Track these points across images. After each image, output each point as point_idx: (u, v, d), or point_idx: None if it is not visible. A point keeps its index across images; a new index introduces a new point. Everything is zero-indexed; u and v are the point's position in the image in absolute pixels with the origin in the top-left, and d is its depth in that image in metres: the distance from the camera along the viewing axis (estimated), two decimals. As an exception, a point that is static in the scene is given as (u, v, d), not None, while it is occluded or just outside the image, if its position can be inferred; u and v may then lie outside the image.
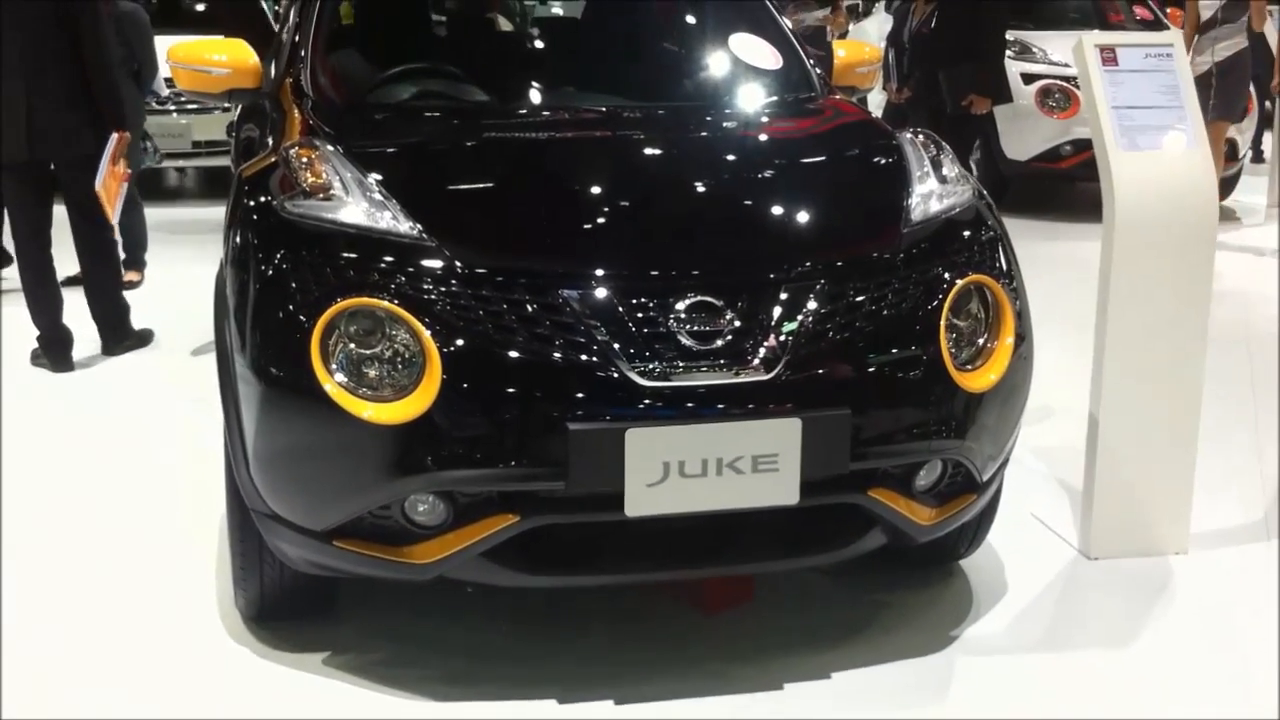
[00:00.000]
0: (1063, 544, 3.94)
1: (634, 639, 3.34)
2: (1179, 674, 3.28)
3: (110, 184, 5.49)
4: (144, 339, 5.85)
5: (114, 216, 5.67)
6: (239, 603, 3.34)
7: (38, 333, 5.62)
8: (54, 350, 5.57)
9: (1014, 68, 9.16)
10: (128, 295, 6.23)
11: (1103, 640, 3.42)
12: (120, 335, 5.80)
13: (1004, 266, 3.29)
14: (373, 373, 2.84)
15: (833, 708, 3.06)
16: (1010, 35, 9.29)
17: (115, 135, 5.44)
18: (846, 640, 3.35)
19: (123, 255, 6.67)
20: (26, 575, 3.68)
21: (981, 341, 3.18)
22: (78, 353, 5.69)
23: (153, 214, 7.63)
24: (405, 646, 3.29)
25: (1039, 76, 9.22)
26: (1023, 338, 3.24)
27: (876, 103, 10.17)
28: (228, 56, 3.95)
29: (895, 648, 3.32)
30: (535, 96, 4.02)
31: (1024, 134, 9.19)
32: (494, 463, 2.78)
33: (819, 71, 4.22)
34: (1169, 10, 9.42)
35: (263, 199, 3.11)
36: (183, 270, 7.10)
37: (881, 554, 3.27)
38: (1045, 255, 7.51)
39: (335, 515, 2.89)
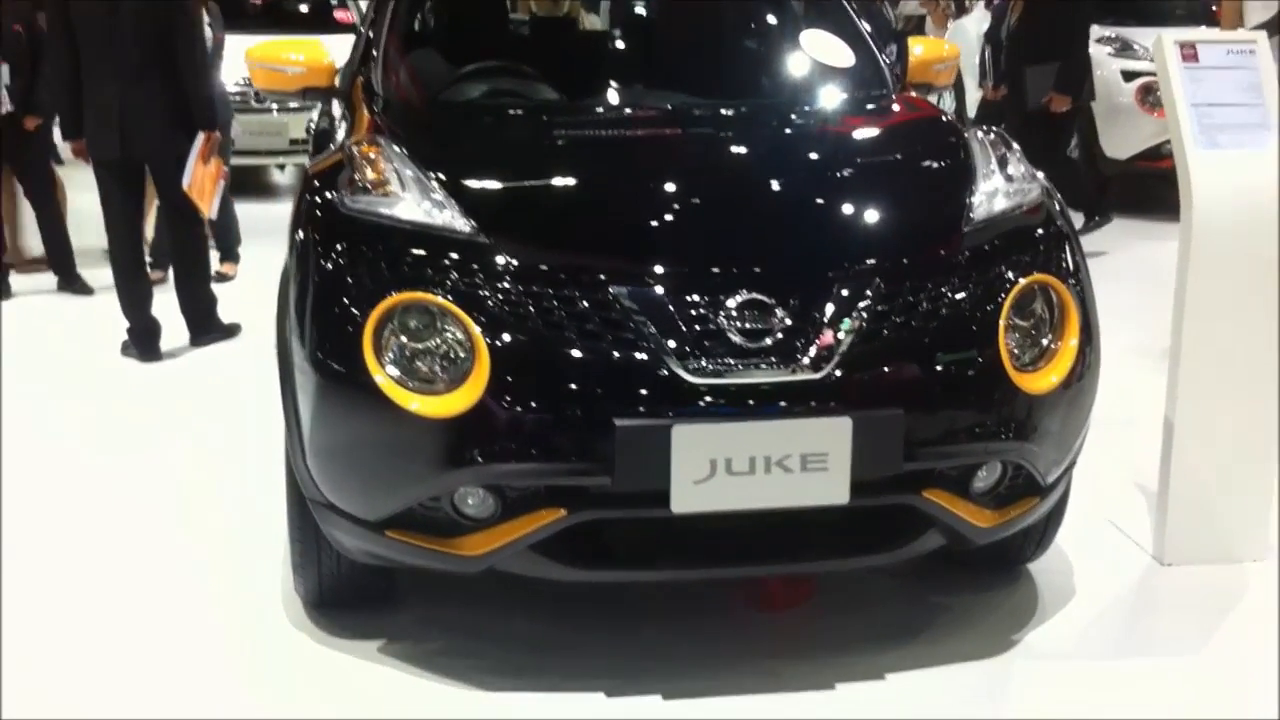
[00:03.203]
0: (1137, 549, 3.85)
1: (688, 634, 3.33)
2: (1250, 686, 3.19)
3: (205, 182, 5.65)
4: (231, 331, 5.98)
5: (210, 212, 5.83)
6: (299, 590, 3.40)
7: (127, 324, 5.77)
8: (142, 341, 5.73)
9: (1114, 65, 8.97)
10: (222, 288, 6.39)
11: (1171, 649, 3.34)
12: (207, 327, 5.94)
13: (1070, 266, 3.23)
14: (424, 367, 2.87)
15: (884, 709, 3.03)
16: (1111, 32, 9.09)
17: (202, 135, 5.57)
18: (904, 641, 3.32)
19: (216, 250, 6.84)
20: (103, 550, 3.81)
21: (1045, 342, 3.13)
22: (166, 344, 5.83)
23: (250, 209, 7.80)
24: (459, 637, 3.32)
25: (1140, 74, 9.01)
26: (1089, 339, 3.17)
27: (974, 100, 10.02)
28: (304, 56, 4.01)
29: (953, 651, 3.27)
30: (604, 94, 4.02)
31: (1124, 132, 9.00)
32: (541, 457, 2.80)
33: (895, 69, 4.17)
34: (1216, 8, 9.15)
35: (325, 195, 3.16)
36: (276, 264, 7.21)
37: (945, 556, 3.24)
38: (1142, 255, 7.34)
39: (387, 506, 2.93)
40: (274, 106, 9.46)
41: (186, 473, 4.42)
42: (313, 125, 4.63)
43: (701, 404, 2.80)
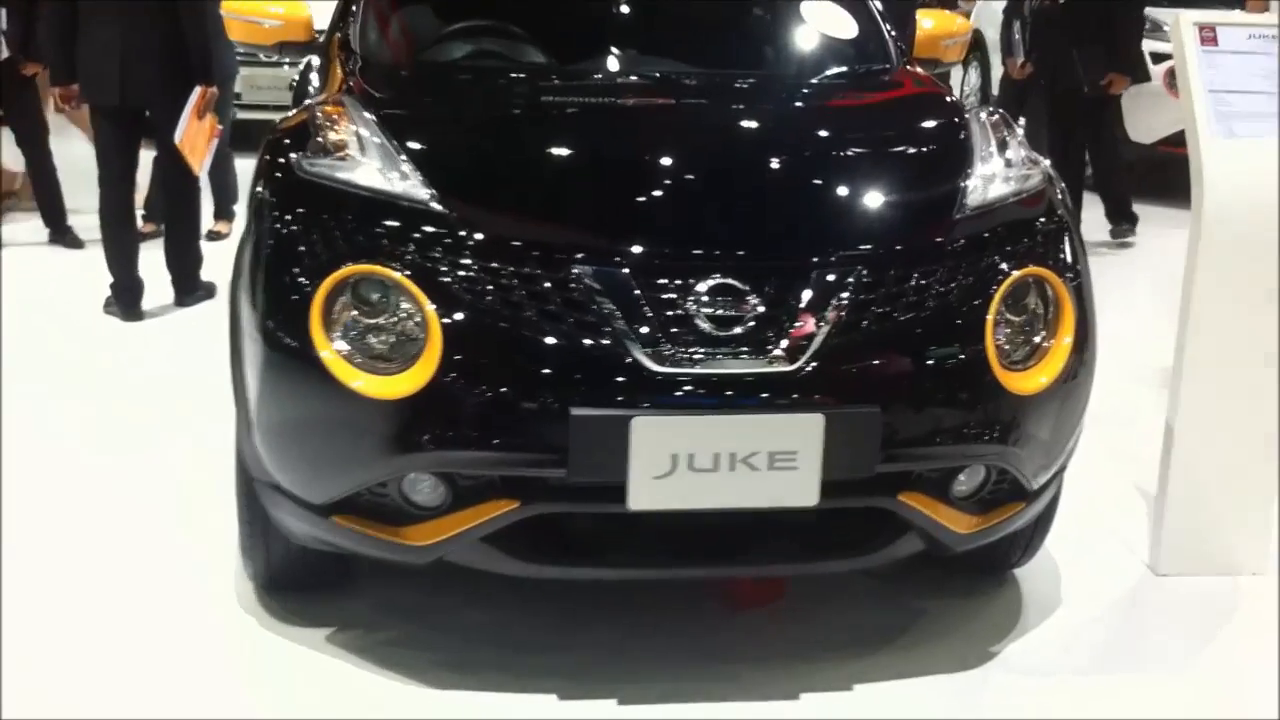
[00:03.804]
0: (1131, 557, 3.68)
1: (650, 633, 3.18)
2: (1244, 704, 3.04)
3: (197, 138, 5.48)
4: (211, 291, 5.84)
5: (201, 170, 5.66)
6: (247, 572, 3.26)
7: (111, 279, 5.62)
8: (125, 298, 5.58)
9: (1143, 46, 8.72)
10: (213, 246, 6.24)
11: (1158, 664, 3.19)
12: (192, 286, 5.80)
13: (1068, 259, 3.05)
14: (375, 343, 2.72)
15: (848, 721, 2.88)
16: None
17: (199, 89, 5.41)
18: (877, 648, 3.16)
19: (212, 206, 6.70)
20: (61, 518, 3.69)
21: (1038, 340, 2.95)
22: (148, 302, 5.68)
23: (252, 165, 7.63)
24: (415, 627, 3.18)
25: (1168, 56, 8.74)
26: (1084, 338, 3.00)
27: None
28: (283, 9, 3.85)
29: (928, 660, 3.11)
30: (590, 60, 3.82)
31: (1149, 116, 8.73)
32: (492, 445, 2.65)
33: (898, 43, 3.97)
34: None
35: (284, 157, 3.00)
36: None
37: (927, 558, 3.08)
38: (1163, 245, 7.14)
39: (333, 489, 2.78)
40: (286, 61, 9.28)
41: (153, 439, 4.28)
42: (297, 86, 4.46)
43: (664, 394, 2.64)
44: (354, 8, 3.78)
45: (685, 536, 2.85)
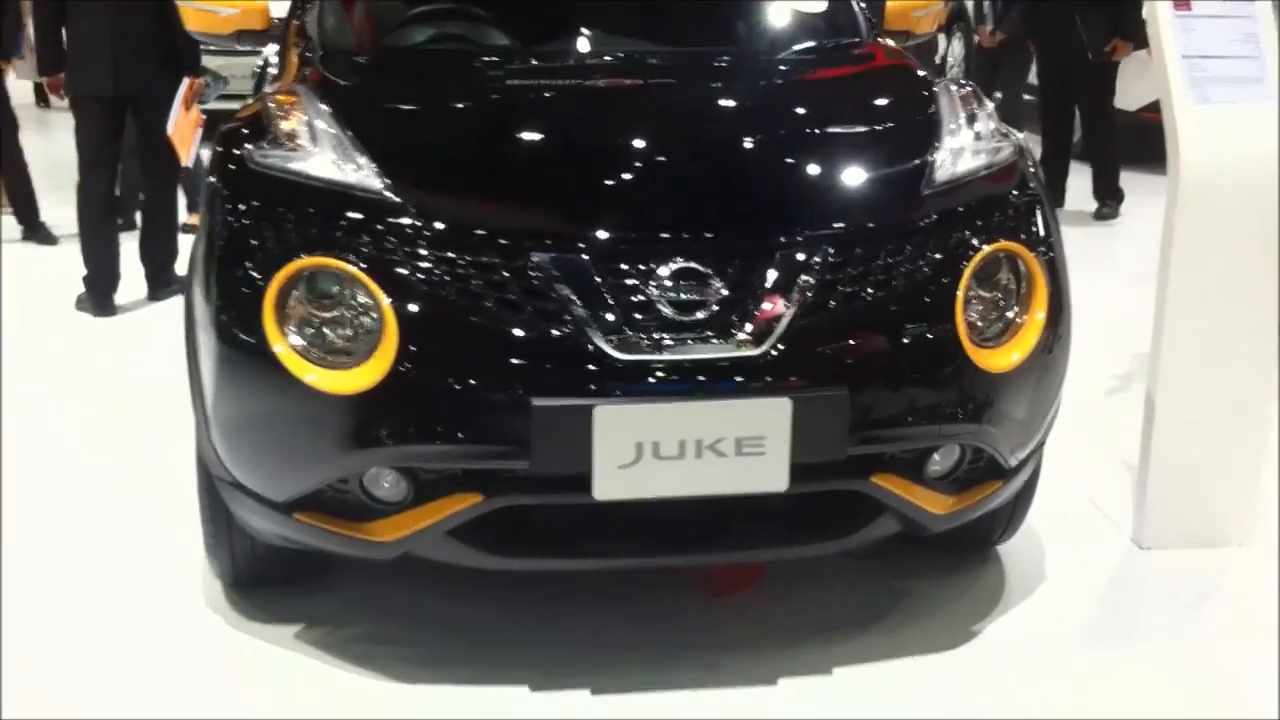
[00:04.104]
0: (1116, 531, 3.63)
1: (626, 621, 3.13)
2: (1228, 678, 2.99)
3: (185, 127, 5.52)
4: (184, 285, 5.77)
5: (188, 159, 5.65)
6: (215, 570, 3.20)
7: (85, 273, 5.57)
8: (98, 291, 5.54)
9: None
10: (188, 239, 6.17)
11: (1144, 639, 3.14)
12: (166, 279, 5.75)
13: (1041, 233, 2.98)
14: (331, 337, 2.66)
15: (827, 708, 2.82)
16: None
17: (187, 80, 5.45)
18: (858, 631, 3.11)
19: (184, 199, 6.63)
20: (38, 518, 3.64)
21: (1010, 316, 2.89)
22: (121, 296, 5.62)
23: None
24: (386, 622, 3.12)
25: None
26: (1059, 312, 2.94)
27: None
28: (240, -4, 3.77)
29: (910, 641, 3.06)
30: (554, 41, 3.72)
31: (1133, 82, 8.64)
32: (453, 439, 2.58)
33: (868, 15, 3.89)
34: None
35: (237, 148, 2.93)
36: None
37: (907, 538, 3.03)
38: (1147, 213, 7.05)
39: (293, 486, 2.72)
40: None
41: (126, 439, 4.23)
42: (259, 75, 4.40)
43: (627, 382, 2.58)
44: (312, -5, 3.70)
45: (656, 525, 2.80)
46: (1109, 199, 7.71)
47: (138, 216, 6.15)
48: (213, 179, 2.95)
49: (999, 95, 8.43)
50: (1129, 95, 8.71)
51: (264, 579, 3.17)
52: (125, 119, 5.58)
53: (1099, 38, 7.33)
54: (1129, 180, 7.91)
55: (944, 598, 3.28)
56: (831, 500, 2.82)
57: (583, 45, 3.72)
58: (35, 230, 6.74)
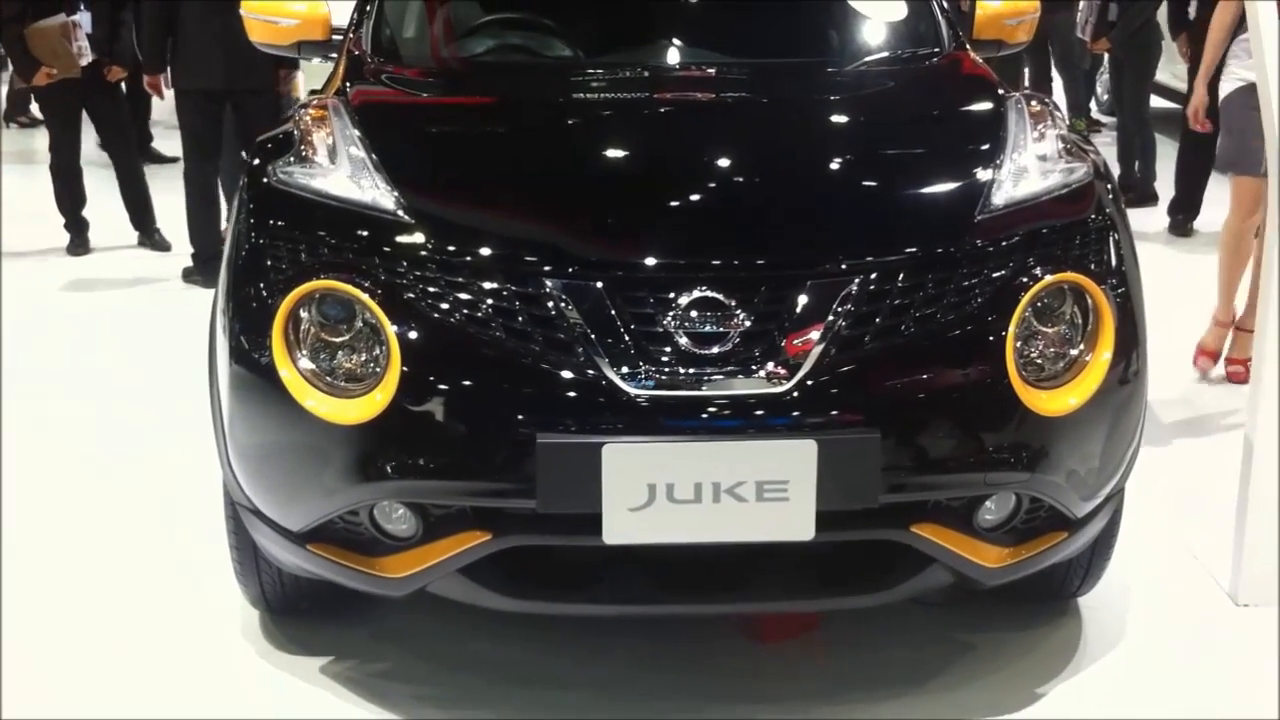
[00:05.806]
0: (1213, 585, 3.34)
1: (662, 663, 2.97)
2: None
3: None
4: None
5: None
6: (246, 597, 3.12)
7: (192, 250, 6.16)
8: (209, 267, 5.80)
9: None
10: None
11: (1233, 708, 2.86)
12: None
13: (1113, 264, 2.73)
14: (339, 364, 2.55)
15: (866, 771, 2.62)
16: None
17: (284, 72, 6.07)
18: (912, 688, 2.90)
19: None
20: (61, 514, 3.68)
21: (1075, 354, 2.65)
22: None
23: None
24: (412, 657, 3.02)
25: None
26: (1130, 351, 2.68)
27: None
28: (303, 8, 3.70)
29: (967, 702, 2.85)
30: (612, 53, 3.56)
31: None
32: (456, 474, 2.46)
33: (953, 22, 3.64)
34: None
35: (261, 163, 2.85)
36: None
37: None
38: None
39: (304, 517, 2.63)
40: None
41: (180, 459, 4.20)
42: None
43: (639, 419, 2.41)
44: (368, 7, 3.61)
45: (678, 569, 2.63)
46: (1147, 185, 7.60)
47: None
48: (241, 194, 2.87)
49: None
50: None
51: (294, 606, 3.08)
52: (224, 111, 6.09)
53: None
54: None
55: (1010, 655, 3.05)
56: (872, 548, 2.62)
57: (633, 58, 3.55)
58: (150, 236, 6.83)
